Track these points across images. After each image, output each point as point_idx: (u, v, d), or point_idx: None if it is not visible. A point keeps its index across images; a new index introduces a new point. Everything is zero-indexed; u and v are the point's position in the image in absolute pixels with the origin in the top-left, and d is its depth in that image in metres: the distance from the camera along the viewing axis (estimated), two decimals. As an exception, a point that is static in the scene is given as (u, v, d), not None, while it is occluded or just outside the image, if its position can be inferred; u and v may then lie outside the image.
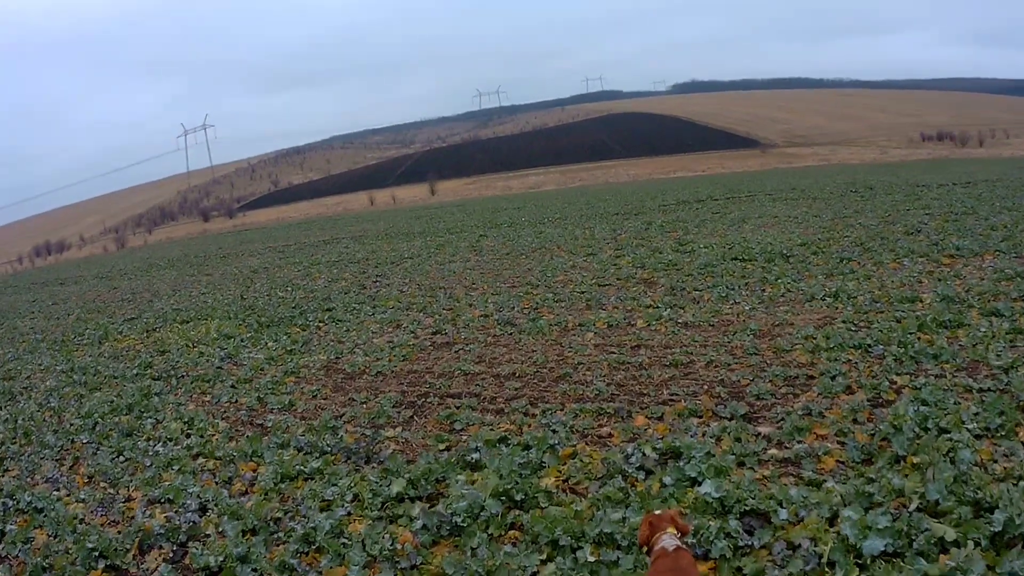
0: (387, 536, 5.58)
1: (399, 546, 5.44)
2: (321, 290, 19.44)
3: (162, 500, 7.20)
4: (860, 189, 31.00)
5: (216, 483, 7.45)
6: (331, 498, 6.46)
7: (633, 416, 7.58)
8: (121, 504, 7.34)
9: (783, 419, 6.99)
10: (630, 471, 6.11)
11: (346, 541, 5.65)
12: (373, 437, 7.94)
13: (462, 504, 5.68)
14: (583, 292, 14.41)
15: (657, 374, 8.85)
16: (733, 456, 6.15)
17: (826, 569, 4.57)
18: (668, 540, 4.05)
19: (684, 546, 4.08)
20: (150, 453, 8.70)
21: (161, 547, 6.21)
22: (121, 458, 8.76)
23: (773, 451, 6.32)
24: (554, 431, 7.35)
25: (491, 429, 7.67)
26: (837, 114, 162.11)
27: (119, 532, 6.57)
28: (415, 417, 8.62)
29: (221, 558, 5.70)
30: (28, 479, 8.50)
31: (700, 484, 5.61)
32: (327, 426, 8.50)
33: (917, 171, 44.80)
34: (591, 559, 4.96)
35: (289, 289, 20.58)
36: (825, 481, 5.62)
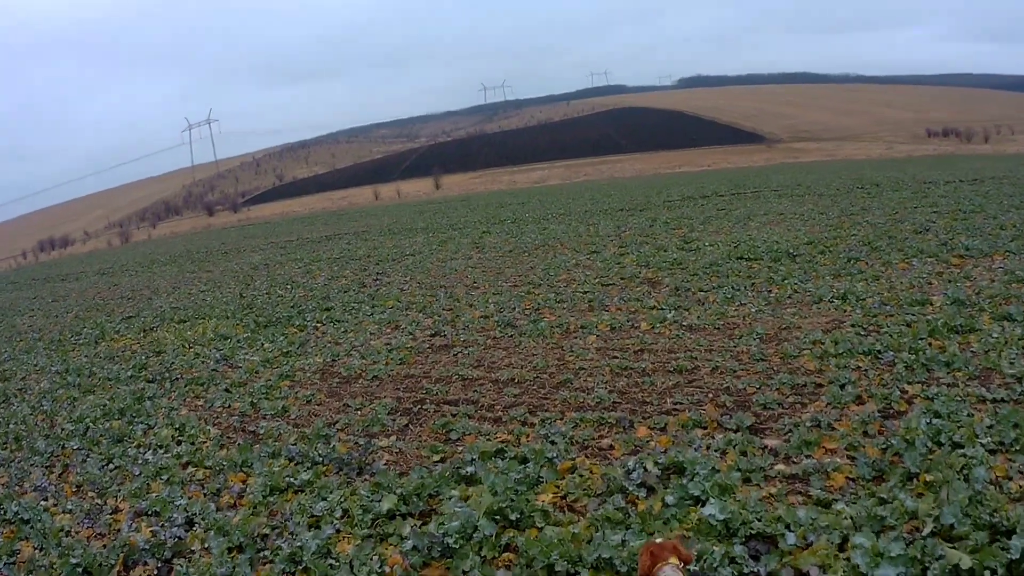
0: (376, 558, 5.34)
1: (388, 568, 5.20)
2: (320, 288, 19.21)
3: (149, 512, 7.00)
4: (866, 185, 30.69)
5: (204, 495, 7.23)
6: (320, 514, 6.23)
7: (635, 427, 7.33)
8: (108, 516, 7.15)
9: (791, 431, 6.74)
10: (631, 488, 5.85)
11: (333, 562, 5.42)
12: (366, 447, 7.70)
13: (454, 524, 5.42)
14: (586, 292, 14.16)
15: (660, 381, 8.59)
16: (739, 472, 5.89)
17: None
18: (670, 572, 3.81)
19: (687, 578, 3.85)
20: (139, 461, 8.49)
21: (146, 563, 6.01)
22: (111, 466, 8.56)
23: (780, 467, 6.07)
24: (553, 442, 7.11)
25: (488, 439, 7.44)
26: (842, 109, 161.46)
27: (104, 546, 6.37)
28: (410, 425, 8.38)
29: (205, 577, 5.48)
30: (17, 487, 8.31)
31: (704, 504, 5.36)
32: (320, 434, 8.26)
33: (923, 167, 44.43)
34: (589, 586, 4.72)
35: (289, 287, 20.36)
36: (835, 500, 5.37)
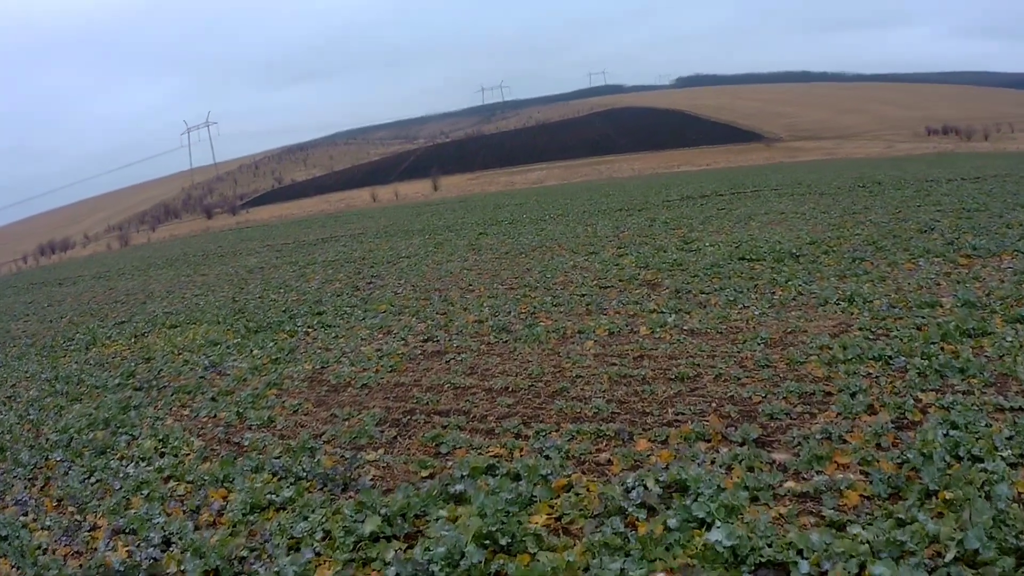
0: (356, 587, 4.98)
1: (368, 599, 4.84)
2: (313, 292, 18.85)
3: (127, 530, 6.67)
4: (868, 184, 30.35)
5: (184, 511, 6.88)
6: (300, 535, 5.85)
7: (635, 439, 6.93)
8: (87, 533, 6.83)
9: (800, 444, 6.36)
10: (630, 509, 5.45)
11: (311, 590, 5.06)
12: (352, 461, 7.33)
13: (440, 550, 5.03)
14: (583, 295, 13.76)
15: (661, 389, 8.20)
16: (746, 490, 5.51)
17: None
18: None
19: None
20: (121, 475, 8.15)
21: (119, 586, 5.66)
22: (92, 479, 8.22)
23: (790, 484, 5.68)
24: (547, 457, 6.71)
25: (479, 453, 7.05)
26: (842, 108, 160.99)
27: (80, 566, 6.08)
28: (399, 438, 7.99)
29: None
30: (-2, 501, 7.96)
31: (709, 527, 4.98)
32: (305, 447, 7.90)
33: (924, 165, 44.13)
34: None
35: (282, 291, 20.00)
36: (850, 522, 4.99)
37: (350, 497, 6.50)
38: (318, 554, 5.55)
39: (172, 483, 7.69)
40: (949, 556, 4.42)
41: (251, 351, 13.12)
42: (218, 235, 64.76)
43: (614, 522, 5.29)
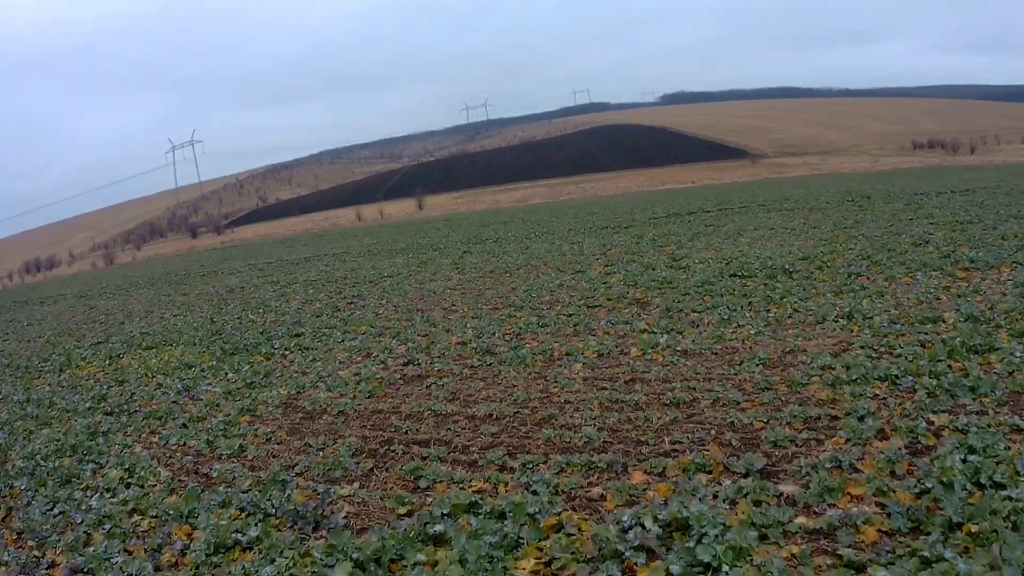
0: (322, 647, 4.45)
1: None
2: (293, 312, 18.29)
3: (84, 570, 6.16)
4: (857, 198, 30.16)
5: (145, 550, 6.34)
6: (266, 582, 5.33)
7: (629, 471, 6.41)
8: (44, 571, 6.34)
9: (808, 474, 5.86)
10: (627, 552, 4.91)
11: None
12: (325, 495, 6.78)
13: (416, 604, 4.52)
14: (571, 315, 13.25)
15: (656, 416, 7.67)
16: (753, 528, 5.02)
17: None
18: None
19: None
20: (83, 507, 7.60)
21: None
22: (55, 510, 7.69)
23: (801, 519, 5.19)
24: (535, 492, 6.17)
25: (461, 488, 6.51)
26: (827, 123, 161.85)
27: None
28: (375, 470, 7.43)
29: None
30: (-42, 534, 7.41)
31: (717, 573, 4.48)
32: (276, 479, 7.35)
33: (911, 179, 44.09)
34: None
35: (261, 311, 19.45)
36: (869, 562, 4.52)
37: (321, 537, 5.98)
38: (283, 605, 5.02)
39: (136, 517, 7.17)
40: (984, 603, 3.96)
41: (226, 374, 12.58)
42: (202, 254, 64.24)
43: (610, 567, 4.77)
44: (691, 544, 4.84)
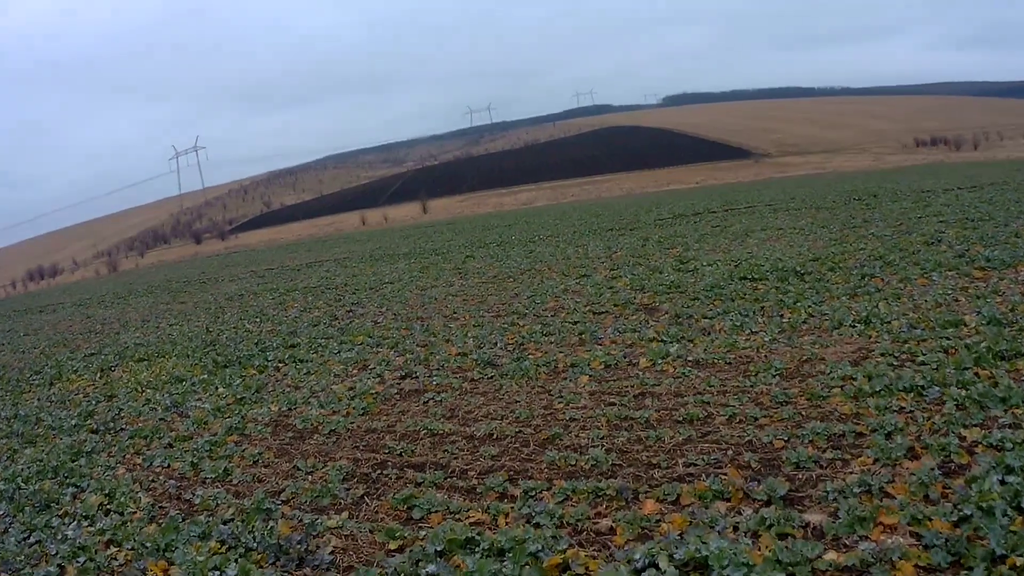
0: None
1: None
2: (290, 322, 17.82)
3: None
4: (864, 196, 29.60)
5: (118, 587, 5.90)
6: (242, 630, 4.85)
7: (640, 499, 5.90)
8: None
9: (836, 500, 5.36)
10: (640, 598, 4.44)
11: None
12: (311, 527, 6.29)
13: (403, 663, 4.02)
14: (576, 322, 12.74)
15: (668, 435, 7.14)
16: (779, 566, 4.52)
17: None
18: None
19: None
20: (59, 536, 7.17)
21: None
22: (32, 539, 7.26)
23: (831, 555, 4.69)
24: (537, 526, 5.66)
25: (457, 519, 6.00)
26: (829, 122, 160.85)
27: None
28: (366, 497, 6.93)
29: None
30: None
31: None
32: (260, 507, 6.86)
33: (916, 176, 43.49)
34: None
35: (258, 320, 18.99)
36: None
37: (304, 575, 5.48)
38: (259, 658, 4.53)
39: (112, 549, 6.72)
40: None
41: (216, 389, 12.14)
42: (204, 260, 63.91)
43: (622, 617, 4.27)
44: (712, 589, 4.34)
